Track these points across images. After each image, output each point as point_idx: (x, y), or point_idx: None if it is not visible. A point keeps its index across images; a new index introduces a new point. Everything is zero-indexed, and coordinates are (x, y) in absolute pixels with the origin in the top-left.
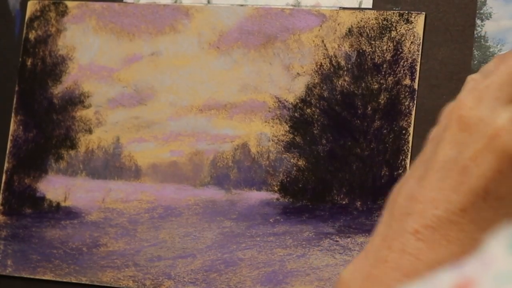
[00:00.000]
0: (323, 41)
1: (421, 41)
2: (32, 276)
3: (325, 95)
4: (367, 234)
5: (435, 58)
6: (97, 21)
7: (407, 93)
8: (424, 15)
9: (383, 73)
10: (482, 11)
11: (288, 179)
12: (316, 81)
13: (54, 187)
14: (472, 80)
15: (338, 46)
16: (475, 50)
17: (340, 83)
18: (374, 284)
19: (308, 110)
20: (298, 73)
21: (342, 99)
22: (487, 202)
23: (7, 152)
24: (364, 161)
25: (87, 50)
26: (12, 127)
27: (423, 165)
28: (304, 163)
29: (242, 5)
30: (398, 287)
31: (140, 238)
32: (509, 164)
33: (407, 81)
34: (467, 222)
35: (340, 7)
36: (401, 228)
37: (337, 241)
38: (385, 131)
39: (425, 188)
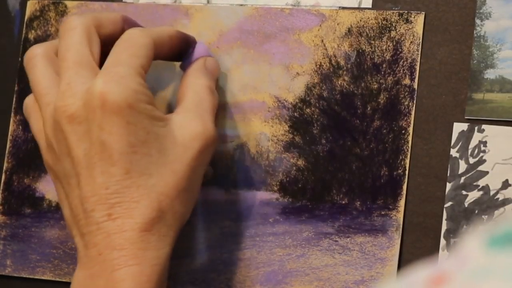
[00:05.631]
0: (322, 40)
1: (420, 40)
2: (31, 276)
3: (325, 95)
4: (366, 234)
5: (434, 58)
6: None
7: (406, 93)
8: (423, 15)
9: (382, 72)
10: (481, 11)
11: (287, 179)
12: (315, 81)
13: (53, 187)
14: None
15: (338, 46)
16: (474, 50)
17: (339, 83)
18: None
19: (308, 110)
20: (297, 73)
21: (341, 99)
22: None
23: (7, 152)
24: (363, 161)
25: None
26: (11, 127)
27: None
28: (303, 163)
29: (241, 5)
30: None
31: None
32: None
33: (407, 81)
34: None
35: (339, 7)
36: None
37: (336, 241)
38: (384, 131)
39: None
